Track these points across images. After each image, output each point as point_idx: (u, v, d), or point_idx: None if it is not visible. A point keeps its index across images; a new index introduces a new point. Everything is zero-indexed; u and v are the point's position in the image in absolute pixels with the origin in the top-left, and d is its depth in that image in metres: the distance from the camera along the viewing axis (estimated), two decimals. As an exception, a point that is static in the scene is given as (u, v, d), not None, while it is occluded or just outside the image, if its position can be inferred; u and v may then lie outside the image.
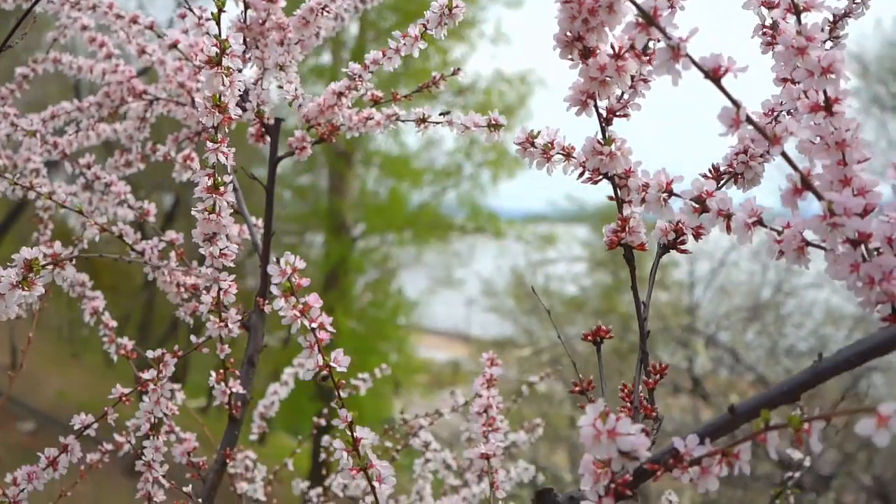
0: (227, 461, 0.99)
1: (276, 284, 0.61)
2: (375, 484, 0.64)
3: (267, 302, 0.96)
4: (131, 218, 1.23)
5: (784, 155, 0.51)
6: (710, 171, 0.69)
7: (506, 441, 1.46)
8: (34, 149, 1.22)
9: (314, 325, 0.62)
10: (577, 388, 0.62)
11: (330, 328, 0.63)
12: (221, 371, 0.96)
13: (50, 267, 0.66)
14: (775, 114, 0.69)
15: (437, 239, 12.28)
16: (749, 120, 0.50)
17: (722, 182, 0.69)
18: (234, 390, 0.98)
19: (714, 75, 0.51)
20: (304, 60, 1.05)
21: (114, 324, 1.10)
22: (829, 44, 0.71)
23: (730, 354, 6.09)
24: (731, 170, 0.68)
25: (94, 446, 1.11)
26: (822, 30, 0.71)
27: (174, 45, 1.06)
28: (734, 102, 0.51)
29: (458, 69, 1.00)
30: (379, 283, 11.78)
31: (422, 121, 0.95)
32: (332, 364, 0.63)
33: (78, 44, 1.50)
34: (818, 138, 0.54)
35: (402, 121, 0.97)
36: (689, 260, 7.53)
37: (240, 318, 0.91)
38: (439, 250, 12.31)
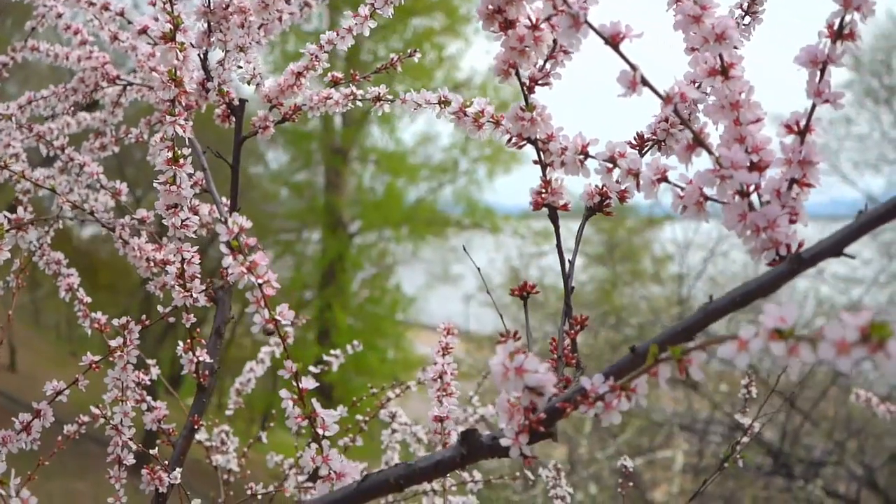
0: (196, 427, 1.03)
1: (223, 243, 0.65)
2: (320, 431, 0.69)
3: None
4: (111, 203, 1.28)
5: (676, 113, 0.55)
6: (634, 138, 0.73)
7: (475, 415, 1.51)
8: (13, 134, 1.26)
9: (261, 281, 0.67)
10: (502, 339, 0.66)
11: (275, 284, 0.67)
12: (189, 341, 1.01)
13: (13, 231, 0.70)
14: (697, 83, 0.73)
15: (433, 235, 12.33)
16: (644, 81, 0.55)
17: (646, 148, 0.73)
18: (201, 359, 1.02)
19: (613, 41, 0.55)
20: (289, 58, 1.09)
21: (88, 300, 1.14)
22: (747, 18, 0.76)
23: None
24: (654, 137, 0.73)
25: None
26: (741, 5, 0.75)
27: (144, 31, 1.10)
28: (631, 66, 0.55)
29: (415, 51, 1.04)
30: (376, 280, 11.82)
31: (377, 99, 1.00)
32: (277, 317, 0.68)
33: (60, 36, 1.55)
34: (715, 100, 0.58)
35: (360, 100, 1.01)
36: (680, 252, 7.58)
37: (204, 288, 0.96)
38: (436, 246, 12.36)
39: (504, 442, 0.59)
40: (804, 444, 6.29)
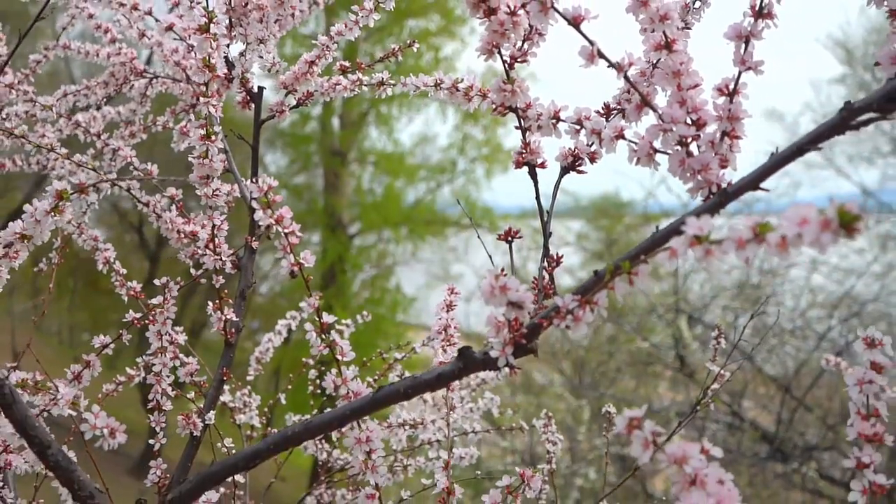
0: (224, 379, 1.16)
1: (254, 199, 0.78)
2: (339, 357, 0.82)
3: (255, 240, 1.14)
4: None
5: (626, 79, 0.68)
6: (602, 106, 0.86)
7: (477, 379, 1.64)
8: (47, 126, 1.39)
9: (286, 230, 0.80)
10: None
11: (299, 234, 0.80)
12: (217, 301, 1.14)
13: (76, 194, 0.83)
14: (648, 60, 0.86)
15: (432, 235, 12.45)
16: (600, 54, 0.68)
17: (612, 116, 0.86)
18: (228, 318, 1.15)
19: (575, 22, 0.68)
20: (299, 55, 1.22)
21: (124, 271, 1.27)
22: (697, 3, 0.89)
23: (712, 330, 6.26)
24: (619, 106, 0.86)
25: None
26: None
27: (170, 28, 1.24)
28: (590, 42, 0.68)
29: (414, 41, 1.17)
30: (376, 280, 11.93)
31: (380, 84, 1.13)
32: (301, 261, 0.81)
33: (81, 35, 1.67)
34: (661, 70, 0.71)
35: (365, 85, 1.14)
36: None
37: (231, 252, 1.09)
38: (435, 246, 12.47)
39: (493, 353, 0.72)
40: (798, 430, 6.42)
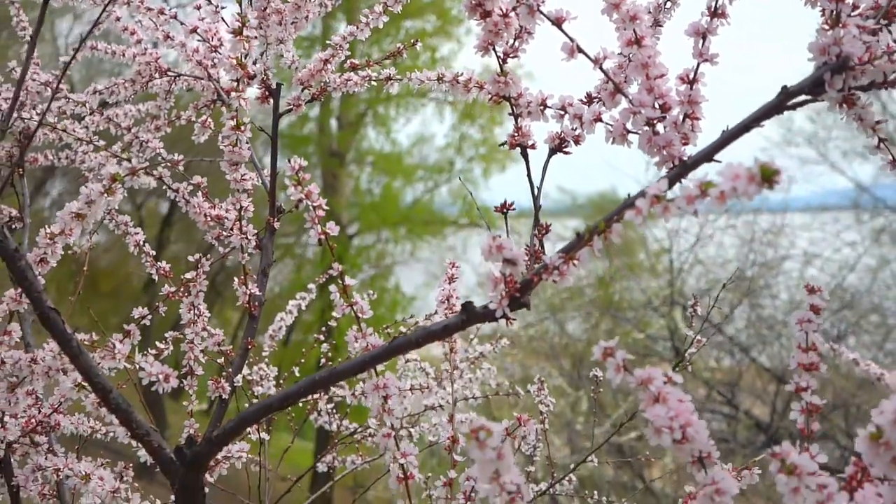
0: (249, 347, 1.29)
1: (288, 176, 0.91)
2: (360, 315, 0.94)
3: (277, 220, 1.26)
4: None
5: (602, 70, 0.81)
6: (585, 95, 0.99)
7: (475, 353, 1.76)
8: (75, 124, 1.52)
9: (314, 204, 0.92)
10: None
11: (325, 207, 0.93)
12: (243, 276, 1.26)
13: (129, 176, 0.96)
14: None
15: (431, 234, 12.57)
16: (579, 49, 0.80)
17: (594, 103, 0.99)
18: (252, 292, 1.27)
19: (558, 22, 0.81)
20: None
21: (153, 253, 1.40)
22: (668, 3, 1.01)
23: (711, 326, 6.41)
24: (598, 95, 0.98)
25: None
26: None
27: (194, 31, 1.36)
28: (570, 39, 0.81)
29: (416, 41, 1.30)
30: (375, 280, 12.05)
31: (388, 79, 1.26)
32: (327, 230, 0.93)
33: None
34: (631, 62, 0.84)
35: (374, 81, 1.27)
36: (670, 236, 7.85)
37: (256, 232, 1.21)
38: (434, 246, 12.59)
39: (491, 306, 0.84)
40: (793, 420, 6.55)
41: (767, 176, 0.57)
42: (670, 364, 6.69)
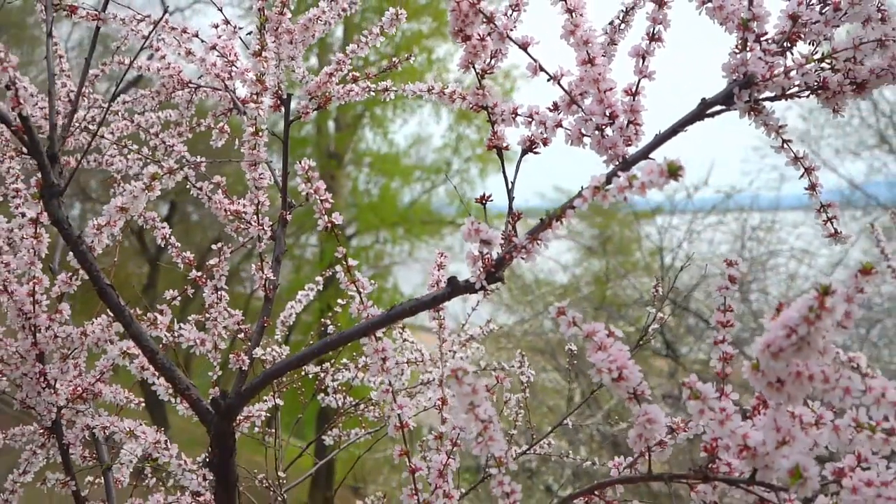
0: (265, 325, 1.47)
1: (299, 174, 1.09)
2: (361, 290, 1.13)
3: (288, 213, 1.44)
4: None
5: (560, 85, 0.99)
6: (552, 104, 1.17)
7: (466, 336, 1.94)
8: (102, 128, 1.70)
9: (322, 198, 1.10)
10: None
11: (330, 200, 1.11)
12: (259, 263, 1.45)
13: (167, 175, 1.14)
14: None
15: (429, 235, 12.74)
16: (541, 68, 0.99)
17: (558, 111, 1.17)
18: (268, 277, 1.46)
19: (524, 46, 0.99)
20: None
21: (178, 244, 1.57)
22: (622, 25, 1.19)
23: (699, 319, 6.59)
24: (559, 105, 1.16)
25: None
26: (614, 21, 1.19)
27: (213, 47, 1.54)
28: (534, 60, 0.99)
29: (411, 55, 1.48)
30: (374, 281, 12.20)
31: (386, 90, 1.44)
32: (333, 220, 1.11)
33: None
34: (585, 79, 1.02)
35: (374, 91, 1.45)
36: (660, 231, 8.03)
37: (271, 223, 1.39)
38: (432, 246, 12.76)
39: (471, 279, 1.02)
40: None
41: (673, 171, 0.76)
42: (665, 359, 6.84)
